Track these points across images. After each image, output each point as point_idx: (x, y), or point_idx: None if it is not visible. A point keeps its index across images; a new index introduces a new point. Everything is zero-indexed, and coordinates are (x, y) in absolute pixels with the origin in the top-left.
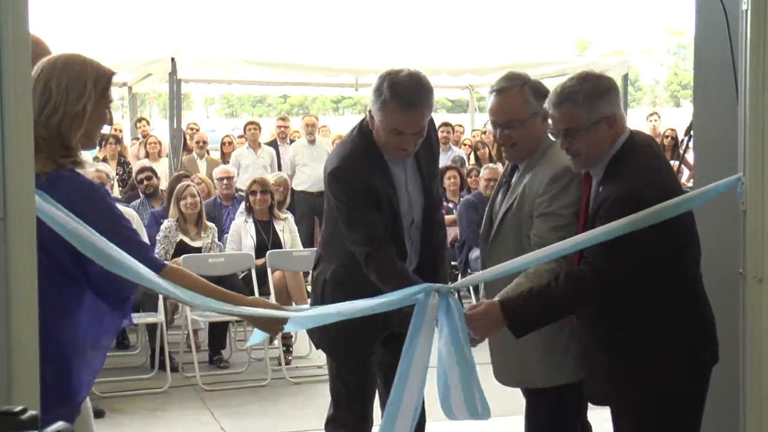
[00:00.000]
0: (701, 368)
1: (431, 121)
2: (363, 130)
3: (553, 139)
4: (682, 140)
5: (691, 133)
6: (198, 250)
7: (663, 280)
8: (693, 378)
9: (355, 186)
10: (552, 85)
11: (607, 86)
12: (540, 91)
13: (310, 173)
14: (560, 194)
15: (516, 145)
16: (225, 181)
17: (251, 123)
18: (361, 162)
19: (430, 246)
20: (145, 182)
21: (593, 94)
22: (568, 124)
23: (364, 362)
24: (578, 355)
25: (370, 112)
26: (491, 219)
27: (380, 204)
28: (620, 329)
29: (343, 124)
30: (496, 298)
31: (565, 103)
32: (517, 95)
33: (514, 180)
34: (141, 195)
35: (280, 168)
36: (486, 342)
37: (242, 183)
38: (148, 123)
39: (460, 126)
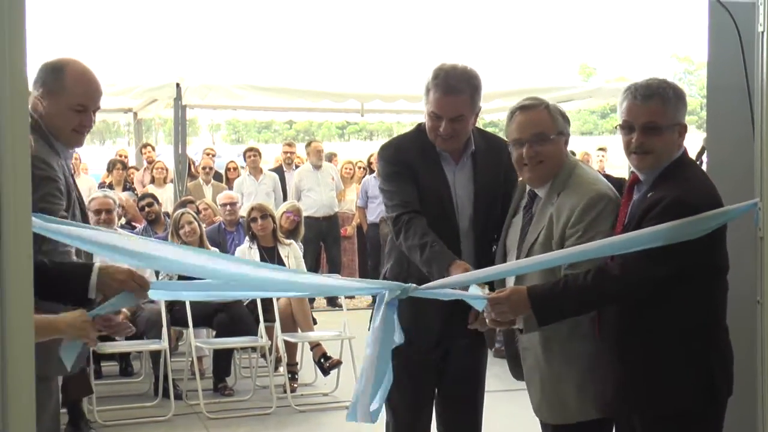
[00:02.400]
0: (718, 395)
1: (504, 144)
2: (422, 127)
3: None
4: (694, 160)
5: (703, 158)
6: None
7: (689, 299)
8: (708, 403)
9: (393, 159)
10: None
11: (683, 96)
12: (563, 114)
13: (315, 198)
14: (595, 222)
15: (542, 163)
16: (228, 207)
17: (251, 149)
18: (406, 145)
19: (484, 260)
20: (147, 209)
21: (678, 98)
22: (652, 117)
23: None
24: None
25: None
26: (505, 247)
27: (416, 181)
28: (636, 341)
29: (349, 150)
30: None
31: (656, 98)
32: (543, 111)
33: (536, 209)
34: (144, 221)
35: (285, 194)
36: (501, 371)
37: (245, 211)
38: (153, 149)
39: None
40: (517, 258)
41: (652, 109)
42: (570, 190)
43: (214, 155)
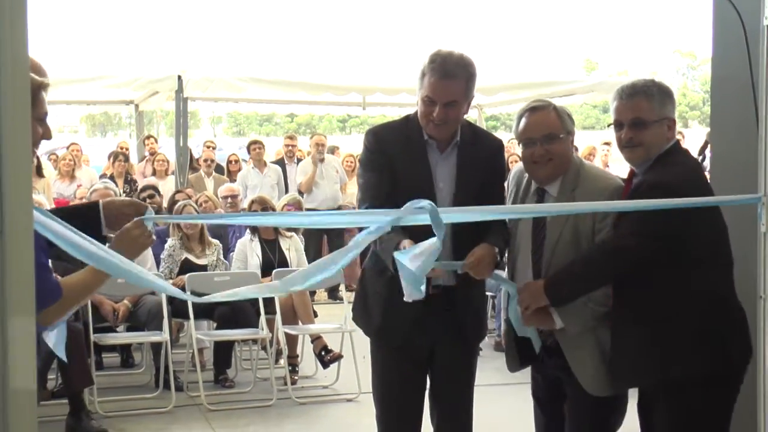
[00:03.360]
0: (731, 360)
1: (501, 149)
2: (411, 116)
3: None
4: (689, 153)
5: (706, 152)
6: (203, 267)
7: (700, 276)
8: (723, 368)
9: (372, 146)
10: (561, 103)
11: (670, 93)
12: (569, 114)
13: (318, 191)
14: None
15: (552, 161)
16: (229, 200)
17: (255, 142)
18: (389, 133)
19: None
20: (148, 200)
21: (663, 94)
22: (637, 113)
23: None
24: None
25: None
26: (516, 242)
27: (393, 171)
28: (651, 314)
29: (351, 144)
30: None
31: (639, 95)
32: (552, 112)
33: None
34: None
35: (287, 187)
36: (501, 364)
37: (247, 204)
38: (156, 141)
39: None
40: (539, 257)
41: (637, 106)
42: (587, 185)
43: (214, 147)
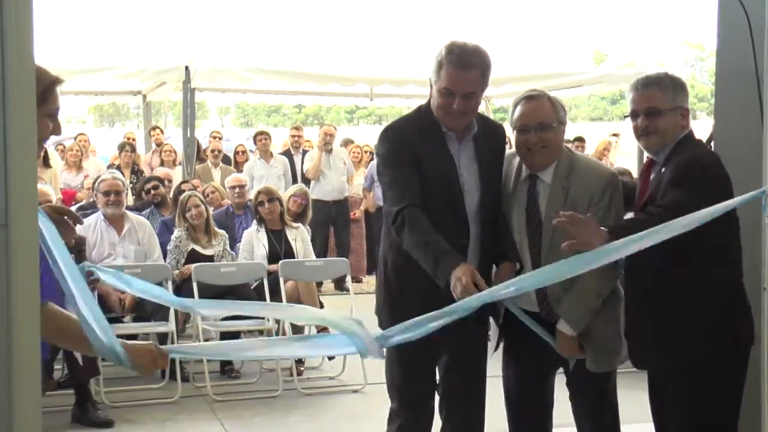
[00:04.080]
0: (740, 344)
1: (505, 134)
2: (423, 108)
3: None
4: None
5: (711, 145)
6: (210, 258)
7: (713, 259)
8: (732, 352)
9: (394, 139)
10: (569, 95)
11: (683, 84)
12: (562, 105)
13: (325, 182)
14: (615, 199)
15: (546, 148)
16: (237, 190)
17: (261, 133)
18: (407, 125)
19: (488, 244)
20: (153, 192)
21: (676, 85)
22: (651, 102)
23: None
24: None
25: (431, 84)
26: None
27: (418, 163)
28: (663, 300)
29: (358, 134)
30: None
31: (653, 86)
32: (546, 102)
33: (541, 191)
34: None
35: (294, 178)
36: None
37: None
38: (162, 132)
39: None
40: (537, 244)
41: (651, 96)
42: (581, 172)
43: (221, 138)
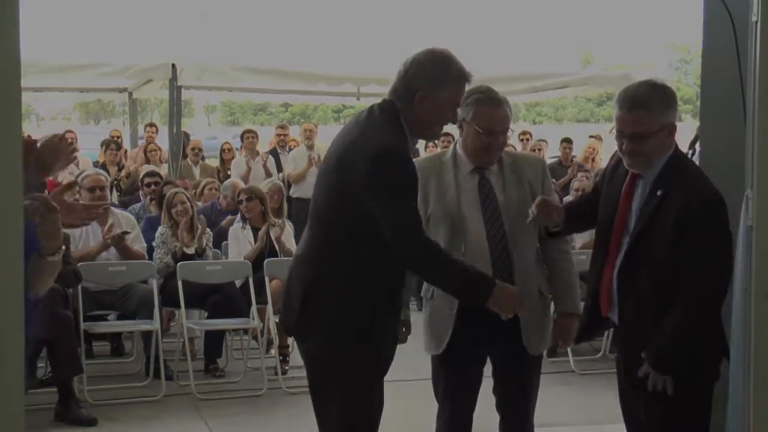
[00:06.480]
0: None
1: None
2: (393, 118)
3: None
4: (686, 154)
5: (696, 147)
6: (192, 257)
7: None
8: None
9: (408, 170)
10: (555, 96)
11: (672, 96)
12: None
13: (306, 181)
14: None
15: (500, 150)
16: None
17: (248, 131)
18: (403, 146)
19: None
20: (153, 187)
21: (665, 101)
22: (637, 128)
23: None
24: None
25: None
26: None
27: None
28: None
29: None
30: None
31: (639, 108)
32: (507, 109)
33: (493, 176)
34: (143, 199)
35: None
36: None
37: None
38: (157, 130)
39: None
40: (492, 220)
41: (637, 120)
42: (520, 158)
43: (189, 136)
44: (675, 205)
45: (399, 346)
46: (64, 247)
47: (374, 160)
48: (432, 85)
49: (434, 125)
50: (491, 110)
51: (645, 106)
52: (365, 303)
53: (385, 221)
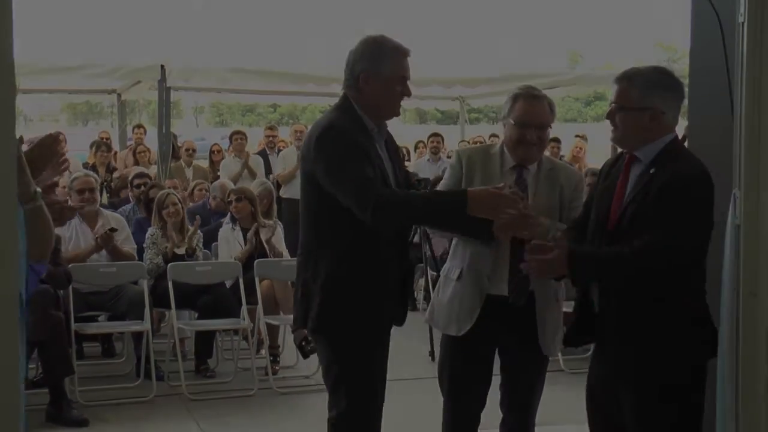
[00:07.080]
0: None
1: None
2: (345, 106)
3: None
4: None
5: (684, 145)
6: (182, 258)
7: (690, 288)
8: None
9: (349, 140)
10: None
11: (671, 86)
12: (554, 109)
13: (295, 182)
14: (582, 197)
15: (537, 145)
16: (219, 195)
17: (237, 132)
18: (350, 125)
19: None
20: (143, 188)
21: (652, 84)
22: (617, 99)
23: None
24: None
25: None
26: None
27: (372, 163)
28: (642, 316)
29: None
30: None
31: (623, 81)
32: (546, 105)
33: (529, 179)
34: (132, 200)
35: (269, 177)
36: None
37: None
38: (145, 131)
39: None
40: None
41: (619, 91)
42: (560, 167)
43: (176, 137)
44: (657, 184)
45: (398, 347)
46: (39, 189)
47: (317, 140)
48: (371, 63)
49: (387, 101)
50: (526, 103)
51: (628, 79)
52: (360, 282)
53: (341, 194)
